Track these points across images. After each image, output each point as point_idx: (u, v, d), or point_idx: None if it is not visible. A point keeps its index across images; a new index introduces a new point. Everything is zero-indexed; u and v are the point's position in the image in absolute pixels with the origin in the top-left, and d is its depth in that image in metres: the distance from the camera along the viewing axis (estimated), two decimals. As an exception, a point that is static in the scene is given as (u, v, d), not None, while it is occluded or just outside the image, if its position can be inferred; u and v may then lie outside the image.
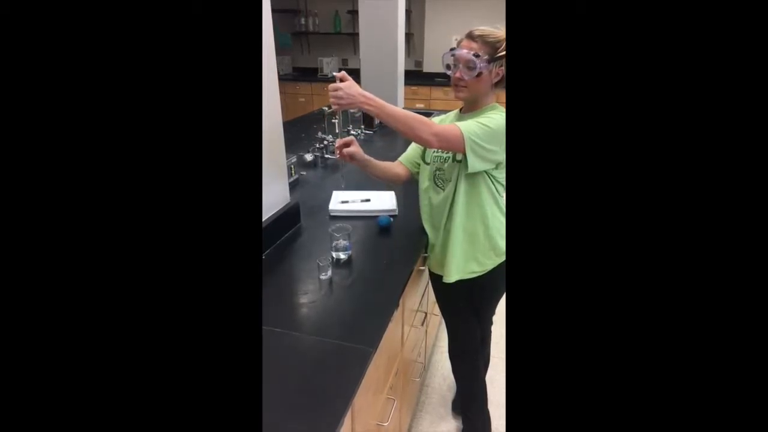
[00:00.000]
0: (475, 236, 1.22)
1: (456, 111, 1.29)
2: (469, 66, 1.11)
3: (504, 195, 1.21)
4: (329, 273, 1.18)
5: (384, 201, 1.62)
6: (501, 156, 1.11)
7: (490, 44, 1.10)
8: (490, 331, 1.59)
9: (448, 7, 4.68)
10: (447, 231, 1.25)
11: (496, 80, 1.14)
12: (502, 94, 1.07)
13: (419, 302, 1.51)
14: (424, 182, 1.29)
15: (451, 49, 1.13)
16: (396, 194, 1.65)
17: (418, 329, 1.54)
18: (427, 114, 1.35)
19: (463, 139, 1.05)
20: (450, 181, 1.20)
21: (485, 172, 1.14)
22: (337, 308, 1.08)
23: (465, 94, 1.17)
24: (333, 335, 0.97)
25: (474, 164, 1.09)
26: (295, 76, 5.23)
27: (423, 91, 4.67)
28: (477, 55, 1.09)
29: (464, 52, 1.10)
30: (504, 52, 1.09)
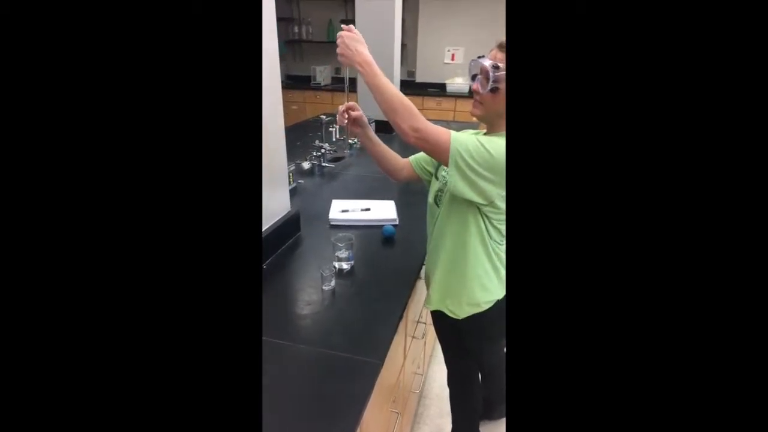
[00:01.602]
0: (452, 273, 1.10)
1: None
2: (487, 78, 0.95)
3: (502, 245, 1.06)
4: (333, 283, 1.16)
5: (384, 210, 1.61)
6: (496, 191, 0.94)
7: None
8: (494, 366, 1.46)
9: (442, 17, 4.73)
10: (432, 252, 1.18)
11: None
12: None
13: (419, 313, 1.49)
14: (430, 197, 1.21)
15: (479, 57, 0.99)
16: (396, 203, 1.64)
17: (419, 340, 1.52)
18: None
19: (449, 149, 0.91)
20: (443, 204, 1.10)
21: (478, 208, 1.00)
22: (342, 319, 1.06)
23: (480, 111, 1.00)
24: (339, 347, 0.94)
25: (457, 184, 0.93)
26: (287, 83, 5.22)
27: (416, 101, 4.64)
28: (496, 66, 0.93)
29: (486, 62, 0.95)
30: None
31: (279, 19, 5.08)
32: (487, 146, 0.91)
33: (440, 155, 0.93)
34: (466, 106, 4.56)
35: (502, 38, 0.95)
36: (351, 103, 1.14)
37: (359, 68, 0.95)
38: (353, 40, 0.96)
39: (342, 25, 0.98)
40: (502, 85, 0.94)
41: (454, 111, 4.61)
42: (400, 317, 1.08)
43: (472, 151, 0.91)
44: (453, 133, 0.93)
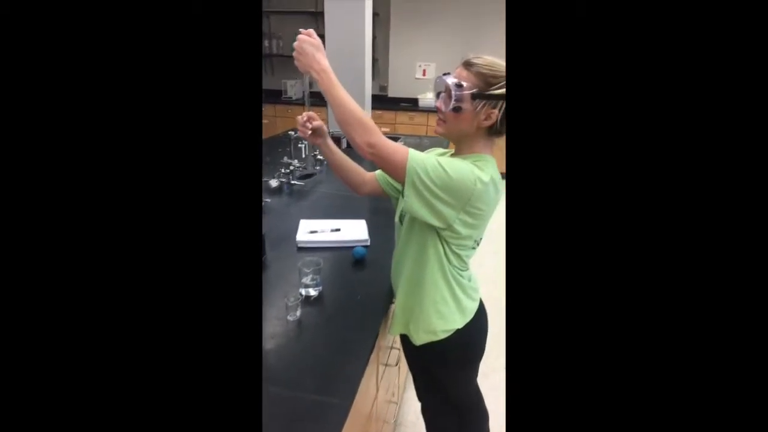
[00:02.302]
0: (412, 297, 1.05)
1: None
2: (450, 96, 0.91)
3: (464, 272, 1.03)
4: (298, 313, 1.08)
5: (355, 231, 1.54)
6: (455, 214, 0.89)
7: (482, 77, 0.89)
8: (462, 402, 1.31)
9: (413, 32, 4.76)
10: (395, 275, 1.13)
11: (486, 124, 0.91)
12: (501, 147, 0.79)
13: (392, 339, 1.42)
14: (396, 215, 1.15)
15: (444, 74, 0.94)
16: (368, 223, 1.58)
17: (392, 368, 1.45)
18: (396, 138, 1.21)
19: (406, 167, 0.85)
20: (405, 225, 1.05)
21: (437, 232, 0.95)
22: (309, 354, 0.98)
23: (442, 129, 0.97)
24: (306, 388, 0.87)
25: (413, 205, 0.87)
26: (257, 98, 5.15)
27: (388, 115, 4.68)
28: (459, 85, 0.89)
29: (450, 80, 0.91)
30: (500, 91, 0.87)
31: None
32: (446, 167, 0.85)
33: (395, 173, 0.87)
34: (438, 121, 4.57)
35: (470, 54, 0.92)
36: (310, 113, 1.09)
37: (315, 76, 0.90)
38: (311, 45, 0.91)
39: (301, 29, 0.92)
40: (465, 105, 0.90)
41: (427, 126, 4.61)
42: (372, 348, 1.01)
43: (430, 171, 0.85)
44: (411, 151, 0.87)
